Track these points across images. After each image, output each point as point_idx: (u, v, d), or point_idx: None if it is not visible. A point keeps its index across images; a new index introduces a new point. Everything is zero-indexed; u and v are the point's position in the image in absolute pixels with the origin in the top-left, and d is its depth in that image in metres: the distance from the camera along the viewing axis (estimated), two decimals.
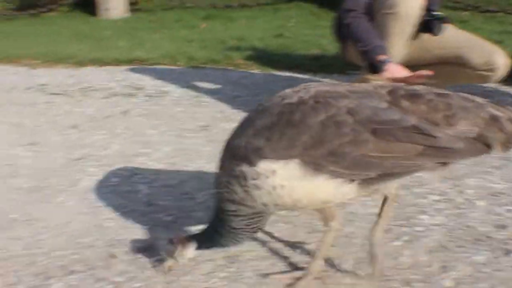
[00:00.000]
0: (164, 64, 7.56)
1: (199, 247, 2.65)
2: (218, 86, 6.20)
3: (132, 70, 7.32)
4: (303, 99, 2.25)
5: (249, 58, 7.31)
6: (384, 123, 2.13)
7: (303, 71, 6.57)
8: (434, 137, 2.12)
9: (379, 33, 4.25)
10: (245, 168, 2.26)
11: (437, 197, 3.37)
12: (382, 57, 3.99)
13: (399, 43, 4.37)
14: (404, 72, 3.85)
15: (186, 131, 4.70)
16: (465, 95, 2.27)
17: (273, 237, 2.98)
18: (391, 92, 2.23)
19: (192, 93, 6.00)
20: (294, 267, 2.69)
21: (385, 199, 2.55)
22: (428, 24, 4.41)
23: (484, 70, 4.31)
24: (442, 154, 2.15)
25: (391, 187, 2.46)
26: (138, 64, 7.67)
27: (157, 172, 3.90)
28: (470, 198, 3.36)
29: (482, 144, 2.16)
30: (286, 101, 2.30)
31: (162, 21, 11.59)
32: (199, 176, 3.79)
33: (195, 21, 11.17)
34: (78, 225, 3.24)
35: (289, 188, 2.21)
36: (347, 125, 2.14)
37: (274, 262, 2.74)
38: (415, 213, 3.14)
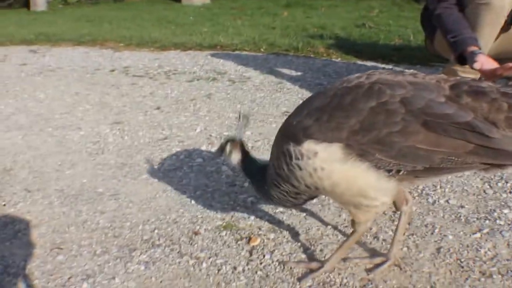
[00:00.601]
0: (246, 50, 7.63)
1: (241, 163, 2.73)
2: (300, 73, 6.20)
3: (215, 55, 7.41)
4: (359, 84, 2.22)
5: (331, 46, 7.30)
6: (436, 117, 2.06)
7: (386, 61, 6.51)
8: (488, 137, 2.04)
9: (469, 24, 4.17)
10: (291, 146, 2.25)
11: None
12: (472, 48, 3.92)
13: (490, 35, 4.28)
14: (493, 64, 3.78)
15: (268, 116, 4.72)
16: None
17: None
18: (454, 87, 2.16)
19: (274, 79, 6.02)
20: (374, 253, 2.68)
21: (400, 215, 2.54)
22: None
23: None
24: (494, 155, 2.07)
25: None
26: (220, 49, 7.77)
27: None
28: None
29: None
30: (344, 84, 2.27)
31: (243, 8, 11.67)
32: None
33: (277, 8, 11.23)
34: (162, 202, 3.30)
35: (329, 170, 2.18)
36: (398, 114, 2.08)
37: (353, 247, 2.72)
38: (497, 207, 3.07)
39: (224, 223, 3.01)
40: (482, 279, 2.44)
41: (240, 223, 3.01)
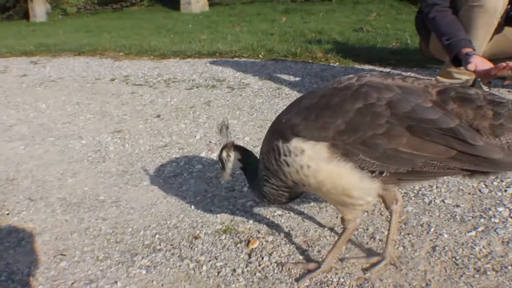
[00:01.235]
0: (245, 57, 7.68)
1: (240, 161, 2.78)
2: (298, 79, 6.25)
3: (214, 62, 7.47)
4: (348, 86, 2.28)
5: (328, 51, 7.34)
6: (421, 121, 2.11)
7: (383, 65, 6.55)
8: (471, 144, 2.08)
9: (463, 26, 4.22)
10: (280, 143, 2.31)
11: None
12: (467, 50, 3.97)
13: (484, 36, 4.34)
14: (488, 65, 3.83)
15: (267, 122, 4.77)
16: None
17: None
18: (441, 92, 2.21)
19: (272, 85, 6.07)
20: (370, 252, 2.73)
21: (391, 215, 2.59)
22: (511, 18, 4.37)
23: None
24: (477, 162, 2.11)
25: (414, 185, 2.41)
26: (219, 56, 7.82)
27: None
28: None
29: None
30: (334, 85, 2.33)
31: (242, 15, 11.73)
32: None
33: (275, 14, 11.28)
34: (163, 207, 3.36)
35: (314, 169, 2.24)
36: (383, 117, 2.13)
37: (350, 247, 2.78)
38: (492, 205, 3.12)
39: (224, 227, 3.07)
40: (477, 275, 2.49)
41: (239, 226, 3.06)
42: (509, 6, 4.30)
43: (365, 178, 2.20)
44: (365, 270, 2.57)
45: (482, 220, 2.95)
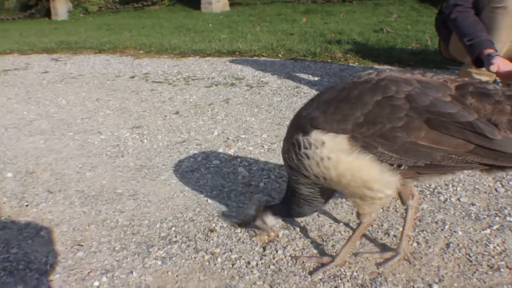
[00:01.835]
0: (265, 56, 7.70)
1: (275, 214, 2.77)
2: (317, 78, 6.27)
3: (233, 61, 7.50)
4: (368, 80, 2.30)
5: (348, 51, 7.34)
6: (439, 115, 2.12)
7: (403, 65, 6.55)
8: (489, 138, 2.09)
9: (485, 27, 4.22)
10: (300, 136, 2.33)
11: None
12: (489, 51, 3.96)
13: (506, 38, 4.33)
14: (510, 66, 3.82)
15: (285, 120, 4.79)
16: None
17: None
18: (460, 87, 2.22)
19: (291, 83, 6.10)
20: (384, 248, 2.74)
21: (407, 210, 2.60)
22: None
23: None
24: (495, 157, 2.12)
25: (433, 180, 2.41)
26: (238, 55, 7.85)
27: (256, 156, 4.01)
28: None
29: None
30: (354, 80, 2.36)
31: (262, 15, 11.74)
32: None
33: (295, 15, 11.29)
34: (180, 201, 3.39)
35: (335, 161, 2.25)
36: (402, 110, 2.15)
37: (365, 242, 2.80)
38: (508, 204, 3.11)
39: (240, 221, 3.09)
40: (490, 272, 2.49)
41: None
42: None
43: (385, 171, 2.21)
44: (378, 264, 2.59)
45: (497, 218, 2.96)
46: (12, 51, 9.96)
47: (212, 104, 5.49)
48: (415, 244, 2.73)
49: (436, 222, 2.93)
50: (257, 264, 2.66)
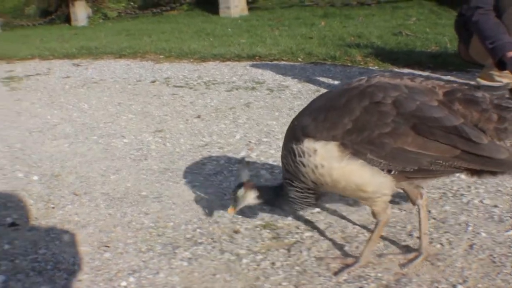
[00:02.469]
0: (284, 60, 7.73)
1: (259, 198, 2.82)
2: (337, 81, 6.29)
3: (253, 65, 7.54)
4: (356, 86, 2.34)
5: (367, 54, 7.35)
6: (426, 119, 2.15)
7: (422, 68, 6.54)
8: (475, 143, 2.12)
9: (507, 29, 4.22)
10: (294, 145, 2.39)
11: None
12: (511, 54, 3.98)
13: None
14: None
15: None
16: None
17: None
18: (448, 93, 2.26)
19: (311, 87, 6.12)
20: (407, 249, 2.76)
21: (419, 210, 2.60)
22: None
23: None
24: (481, 162, 2.15)
25: (428, 184, 2.44)
26: (258, 60, 7.88)
27: (278, 159, 4.01)
28: None
29: None
30: (344, 87, 2.41)
31: (281, 19, 11.76)
32: None
33: (314, 19, 11.30)
34: (204, 203, 3.42)
35: (328, 167, 2.30)
36: (389, 116, 2.19)
37: (388, 244, 2.81)
38: None
39: (263, 223, 3.12)
40: None
41: (279, 222, 3.11)
42: None
43: (376, 173, 2.27)
44: (402, 265, 2.60)
45: None
46: (33, 56, 10.09)
47: (233, 108, 5.53)
48: (438, 246, 2.75)
49: (459, 224, 2.95)
50: (282, 265, 2.68)
